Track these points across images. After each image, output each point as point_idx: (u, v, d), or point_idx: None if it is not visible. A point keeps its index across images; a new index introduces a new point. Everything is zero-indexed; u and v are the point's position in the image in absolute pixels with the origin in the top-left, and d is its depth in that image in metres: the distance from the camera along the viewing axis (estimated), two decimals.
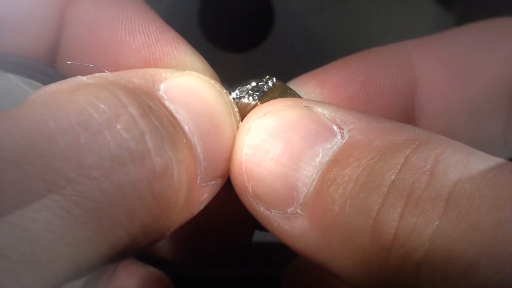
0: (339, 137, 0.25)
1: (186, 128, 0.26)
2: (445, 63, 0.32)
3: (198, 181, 0.26)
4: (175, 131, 0.25)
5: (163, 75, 0.27)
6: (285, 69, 0.55)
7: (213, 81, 0.28)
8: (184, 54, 0.29)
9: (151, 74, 0.27)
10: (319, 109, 0.26)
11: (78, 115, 0.22)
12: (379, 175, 0.23)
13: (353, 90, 0.31)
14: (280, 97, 0.29)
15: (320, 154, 0.25)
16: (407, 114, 0.33)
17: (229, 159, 0.27)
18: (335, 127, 0.26)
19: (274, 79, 0.30)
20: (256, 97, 0.29)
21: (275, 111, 0.27)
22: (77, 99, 0.23)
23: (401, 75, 0.32)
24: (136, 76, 0.26)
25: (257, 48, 0.57)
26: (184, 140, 0.25)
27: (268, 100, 0.28)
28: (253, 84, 0.30)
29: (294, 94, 0.30)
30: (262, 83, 0.30)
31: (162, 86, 0.26)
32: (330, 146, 0.25)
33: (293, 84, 0.31)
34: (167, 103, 0.26)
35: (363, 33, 0.56)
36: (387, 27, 0.56)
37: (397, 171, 0.23)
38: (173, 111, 0.26)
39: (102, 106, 0.23)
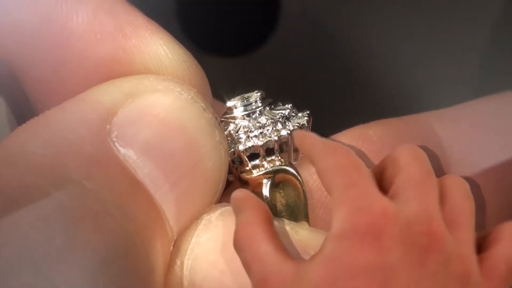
0: None
1: (152, 188, 0.24)
2: (472, 140, 0.32)
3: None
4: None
5: (114, 100, 0.24)
6: (292, 80, 0.53)
7: (188, 93, 0.26)
8: (157, 44, 0.27)
9: (102, 103, 0.24)
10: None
11: None
12: None
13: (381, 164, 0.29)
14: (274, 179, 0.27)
15: None
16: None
17: (211, 196, 0.26)
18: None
19: (290, 128, 0.27)
20: (263, 170, 0.27)
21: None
22: None
23: (433, 152, 0.31)
24: (81, 129, 0.23)
25: (255, 52, 0.54)
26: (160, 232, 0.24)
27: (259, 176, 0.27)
28: (262, 106, 0.27)
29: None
30: (282, 112, 0.27)
31: (114, 121, 0.24)
32: None
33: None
34: (122, 151, 0.24)
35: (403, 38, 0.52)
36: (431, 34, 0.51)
37: None
38: (133, 166, 0.24)
39: None
